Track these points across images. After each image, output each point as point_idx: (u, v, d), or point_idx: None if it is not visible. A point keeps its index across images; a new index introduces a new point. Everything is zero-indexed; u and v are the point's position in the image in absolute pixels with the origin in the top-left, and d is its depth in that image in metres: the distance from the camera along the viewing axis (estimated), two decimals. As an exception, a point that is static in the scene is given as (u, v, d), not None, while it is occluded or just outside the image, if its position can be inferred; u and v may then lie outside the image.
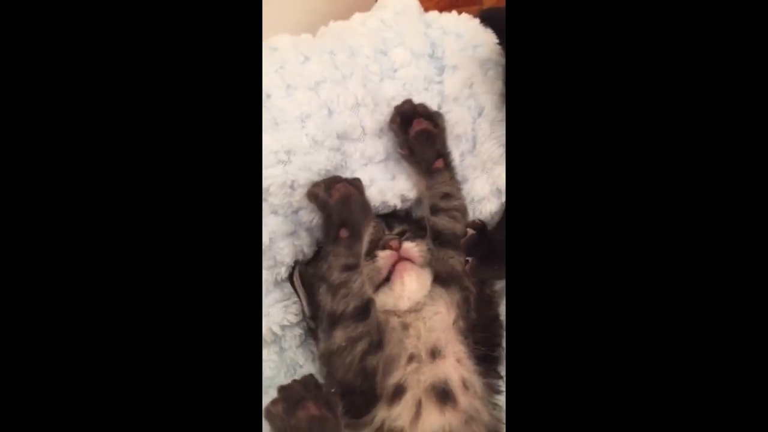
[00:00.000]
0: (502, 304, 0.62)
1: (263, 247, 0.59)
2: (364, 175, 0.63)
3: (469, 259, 0.60)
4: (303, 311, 0.62)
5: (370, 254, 0.58)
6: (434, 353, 0.54)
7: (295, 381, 0.49)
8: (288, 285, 0.63)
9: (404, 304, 0.57)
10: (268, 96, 0.60)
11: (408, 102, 0.63)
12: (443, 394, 0.52)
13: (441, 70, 0.67)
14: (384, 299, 0.57)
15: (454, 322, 0.57)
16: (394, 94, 0.64)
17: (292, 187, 0.59)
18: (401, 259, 0.59)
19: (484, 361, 0.56)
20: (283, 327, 0.62)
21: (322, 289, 0.55)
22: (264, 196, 0.58)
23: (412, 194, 0.66)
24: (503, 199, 0.68)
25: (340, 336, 0.53)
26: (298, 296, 0.61)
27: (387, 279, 0.58)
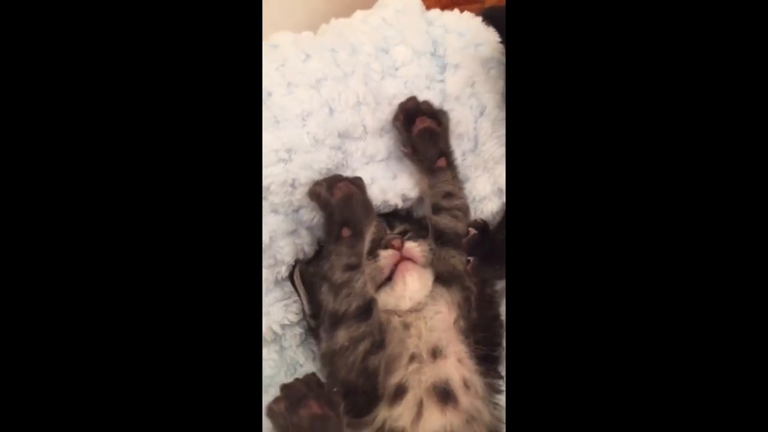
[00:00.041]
0: (502, 304, 0.62)
1: (263, 245, 0.59)
2: (366, 174, 0.63)
3: (471, 258, 0.59)
4: (303, 310, 0.62)
5: (372, 253, 0.58)
6: (435, 353, 0.54)
7: (297, 379, 0.49)
8: (288, 284, 0.63)
9: (405, 304, 0.57)
10: (269, 94, 0.60)
11: (412, 99, 0.63)
12: (444, 394, 0.52)
13: (443, 68, 0.67)
14: (385, 299, 0.57)
15: (455, 321, 0.57)
16: (396, 93, 0.64)
17: (292, 185, 0.58)
18: (403, 258, 0.59)
19: (485, 360, 0.56)
20: (283, 326, 0.62)
21: (324, 289, 0.55)
22: (264, 194, 0.58)
23: (413, 193, 0.66)
24: (504, 198, 0.67)
25: (342, 336, 0.53)
26: (299, 295, 0.61)
27: (389, 278, 0.58)
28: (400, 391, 0.53)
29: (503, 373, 0.57)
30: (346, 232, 0.54)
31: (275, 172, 0.58)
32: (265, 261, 0.60)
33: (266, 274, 0.60)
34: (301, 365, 0.64)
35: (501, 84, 0.67)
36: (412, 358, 0.54)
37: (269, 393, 0.54)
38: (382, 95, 0.64)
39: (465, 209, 0.64)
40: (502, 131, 0.67)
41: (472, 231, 0.61)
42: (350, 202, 0.54)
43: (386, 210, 0.66)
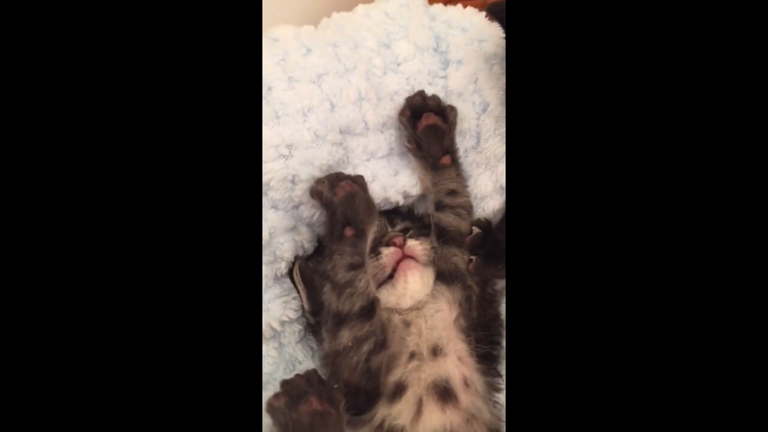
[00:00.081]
0: (503, 303, 0.62)
1: (263, 242, 0.58)
2: (367, 170, 0.62)
3: (473, 257, 0.59)
4: (303, 307, 0.61)
5: (374, 251, 0.58)
6: (435, 351, 0.54)
7: (297, 375, 0.49)
8: (287, 280, 0.62)
9: (406, 303, 0.57)
10: (269, 88, 0.59)
11: (419, 94, 0.62)
12: (444, 392, 0.52)
13: (445, 64, 0.66)
14: (386, 297, 0.57)
15: (456, 320, 0.57)
16: (398, 89, 0.64)
17: (293, 181, 0.58)
18: (405, 256, 0.58)
19: (486, 359, 0.56)
20: (282, 323, 0.62)
21: (327, 289, 0.54)
22: (264, 190, 0.58)
23: (414, 191, 0.65)
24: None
25: (346, 336, 0.52)
26: (298, 292, 0.61)
27: (390, 276, 0.58)
28: (399, 389, 0.52)
29: (503, 371, 0.57)
30: (349, 232, 0.54)
31: (275, 167, 0.57)
32: (265, 257, 0.60)
33: (265, 271, 0.60)
34: (300, 362, 0.64)
35: (504, 80, 0.67)
36: (412, 355, 0.54)
37: (268, 390, 0.54)
38: (384, 91, 0.63)
39: (469, 207, 0.64)
40: (505, 128, 0.66)
41: (476, 230, 0.61)
42: (353, 201, 0.54)
43: (387, 207, 0.66)
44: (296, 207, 0.60)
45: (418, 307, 0.57)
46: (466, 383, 0.54)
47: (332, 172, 0.59)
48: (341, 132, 0.61)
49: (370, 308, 0.53)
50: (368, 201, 0.56)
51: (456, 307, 0.57)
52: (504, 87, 0.67)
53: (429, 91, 0.64)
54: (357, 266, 0.53)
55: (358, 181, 0.56)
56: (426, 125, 0.61)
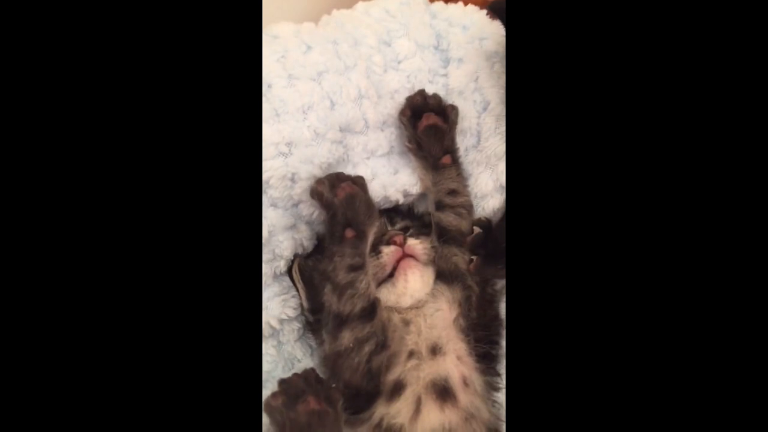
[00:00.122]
0: (503, 303, 0.62)
1: (262, 240, 0.58)
2: (366, 169, 0.62)
3: (474, 257, 0.59)
4: (302, 305, 0.61)
5: (374, 249, 0.58)
6: (435, 350, 0.54)
7: (295, 374, 0.49)
8: (287, 279, 0.62)
9: (406, 302, 0.57)
10: (269, 86, 0.59)
11: (420, 93, 0.62)
12: (443, 391, 0.52)
13: (446, 62, 0.66)
14: (386, 295, 0.57)
15: (455, 319, 0.57)
16: (398, 87, 0.63)
17: (292, 179, 0.58)
18: (405, 255, 0.58)
19: (485, 358, 0.56)
20: (281, 321, 0.62)
21: (327, 290, 0.54)
22: (264, 188, 0.58)
23: (414, 189, 0.65)
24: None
25: (347, 337, 0.52)
26: (297, 290, 0.61)
27: (390, 275, 0.58)
28: (398, 388, 0.52)
29: (502, 371, 0.57)
30: (349, 233, 0.53)
31: (275, 165, 0.57)
32: (264, 255, 0.59)
33: (265, 269, 0.60)
34: (299, 360, 0.64)
35: (505, 79, 0.66)
36: (411, 354, 0.54)
37: (266, 388, 0.54)
38: (384, 89, 0.63)
39: (469, 207, 0.64)
40: (505, 127, 0.66)
41: (477, 230, 0.60)
42: (353, 202, 0.53)
43: (387, 206, 0.66)
44: (296, 205, 0.60)
45: (417, 306, 0.57)
46: (465, 382, 0.54)
47: (332, 170, 0.59)
48: (341, 130, 0.61)
49: (371, 309, 0.53)
50: (368, 202, 0.55)
51: (456, 307, 0.57)
52: (504, 85, 0.67)
53: (429, 90, 0.64)
54: (357, 267, 0.53)
55: (359, 182, 0.55)
56: (426, 125, 0.61)
